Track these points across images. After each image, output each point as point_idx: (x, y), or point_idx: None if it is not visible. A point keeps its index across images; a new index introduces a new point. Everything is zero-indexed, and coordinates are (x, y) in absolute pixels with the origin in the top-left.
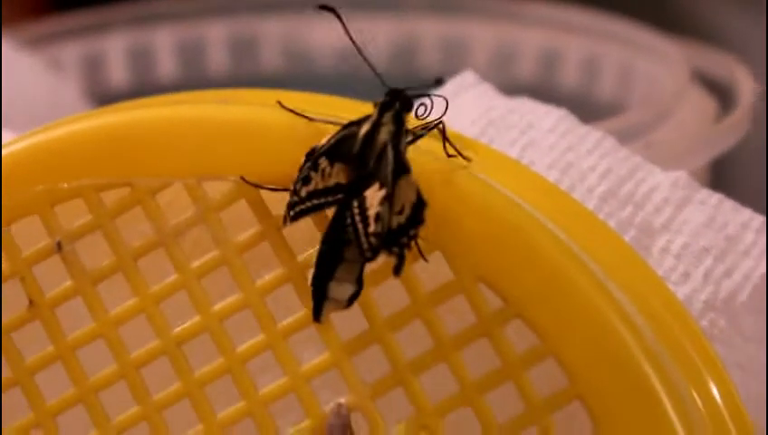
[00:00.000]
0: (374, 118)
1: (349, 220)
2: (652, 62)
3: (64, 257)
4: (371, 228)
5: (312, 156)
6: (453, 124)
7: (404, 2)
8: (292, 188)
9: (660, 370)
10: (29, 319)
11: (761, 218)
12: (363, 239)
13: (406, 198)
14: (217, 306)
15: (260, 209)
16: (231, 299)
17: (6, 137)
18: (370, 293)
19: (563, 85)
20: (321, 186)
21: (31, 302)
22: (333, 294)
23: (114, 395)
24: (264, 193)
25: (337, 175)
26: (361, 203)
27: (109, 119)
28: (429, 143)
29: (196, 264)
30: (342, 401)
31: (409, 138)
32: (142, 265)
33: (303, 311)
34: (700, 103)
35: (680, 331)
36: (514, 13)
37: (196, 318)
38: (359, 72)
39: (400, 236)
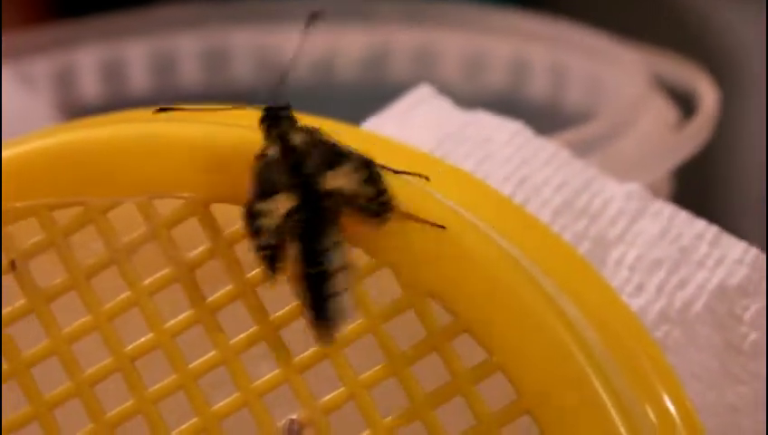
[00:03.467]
0: (273, 136)
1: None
2: (615, 71)
3: (18, 276)
4: (370, 195)
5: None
6: (408, 138)
7: (374, 12)
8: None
9: (608, 384)
10: None
11: (714, 229)
12: (373, 207)
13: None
14: (169, 323)
15: (210, 226)
16: (183, 316)
17: None
18: None
19: (532, 94)
20: (279, 221)
21: None
22: (339, 304)
23: (69, 411)
24: (214, 210)
25: (285, 202)
26: (339, 194)
27: (60, 138)
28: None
29: (148, 281)
30: (295, 416)
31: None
32: (96, 283)
33: (255, 327)
34: (661, 112)
35: (634, 343)
36: (484, 22)
37: (150, 335)
38: (332, 81)
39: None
